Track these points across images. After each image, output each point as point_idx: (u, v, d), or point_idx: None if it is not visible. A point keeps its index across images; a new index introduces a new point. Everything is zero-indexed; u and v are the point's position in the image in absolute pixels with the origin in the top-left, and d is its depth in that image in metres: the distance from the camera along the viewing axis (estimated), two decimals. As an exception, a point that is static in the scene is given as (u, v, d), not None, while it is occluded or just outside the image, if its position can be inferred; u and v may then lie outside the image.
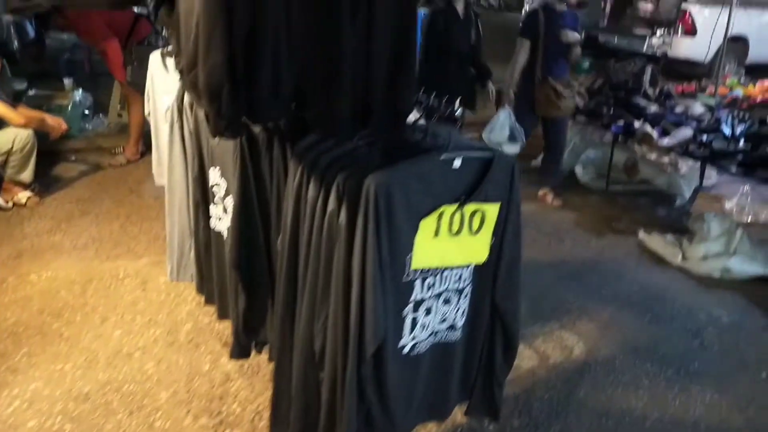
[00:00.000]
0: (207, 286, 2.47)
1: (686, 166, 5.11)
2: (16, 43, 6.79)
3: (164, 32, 3.61)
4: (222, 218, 2.22)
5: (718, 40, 7.43)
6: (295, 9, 1.35)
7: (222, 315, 2.40)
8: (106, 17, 4.62)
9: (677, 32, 8.96)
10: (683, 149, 4.44)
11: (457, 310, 1.80)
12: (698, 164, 4.66)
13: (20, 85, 5.64)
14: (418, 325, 1.71)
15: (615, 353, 3.01)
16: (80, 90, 5.68)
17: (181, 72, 1.54)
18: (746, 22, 8.78)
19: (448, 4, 4.51)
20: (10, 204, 4.08)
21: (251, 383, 2.58)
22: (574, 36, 4.56)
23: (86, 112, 5.71)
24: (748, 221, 4.53)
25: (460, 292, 1.77)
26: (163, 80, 3.23)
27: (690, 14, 8.88)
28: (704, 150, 4.30)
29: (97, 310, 3.05)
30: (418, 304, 1.69)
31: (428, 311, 1.72)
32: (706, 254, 3.90)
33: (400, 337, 1.69)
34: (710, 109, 5.12)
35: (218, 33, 1.25)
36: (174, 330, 2.92)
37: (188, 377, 2.61)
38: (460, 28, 4.51)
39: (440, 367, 1.86)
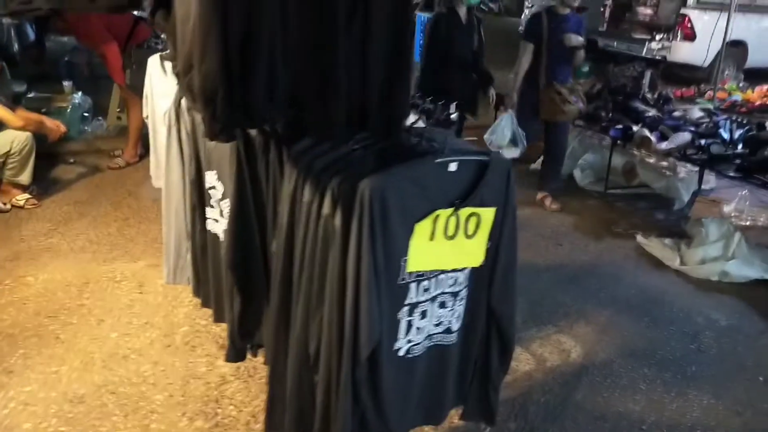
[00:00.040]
0: (203, 289, 2.47)
1: (684, 170, 5.12)
2: (16, 46, 6.82)
3: (163, 36, 3.62)
4: (219, 221, 2.22)
5: (717, 44, 7.46)
6: (291, 14, 1.36)
7: (218, 318, 2.39)
8: (105, 21, 4.63)
9: (677, 37, 8.98)
10: (681, 153, 4.45)
11: (453, 314, 1.80)
12: (696, 168, 4.67)
13: (20, 88, 5.66)
14: (413, 328, 1.71)
15: (612, 357, 3.01)
16: (79, 93, 5.70)
17: (177, 75, 1.54)
18: (745, 27, 8.81)
19: (450, 9, 4.48)
20: (8, 206, 4.08)
21: (247, 386, 2.58)
22: (577, 40, 4.53)
23: (85, 114, 5.72)
24: (747, 225, 4.54)
25: (455, 295, 1.77)
26: (161, 83, 3.23)
27: (689, 19, 8.91)
28: (702, 154, 4.30)
29: (94, 313, 3.05)
30: (413, 307, 1.68)
31: (423, 314, 1.72)
32: (704, 258, 3.91)
33: (395, 340, 1.68)
34: (709, 113, 5.13)
35: (213, 38, 1.25)
36: (170, 332, 2.91)
37: (184, 380, 2.61)
38: (463, 33, 4.49)
39: (436, 370, 1.85)
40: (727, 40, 7.08)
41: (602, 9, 9.85)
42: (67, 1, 4.15)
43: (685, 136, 4.42)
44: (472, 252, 1.72)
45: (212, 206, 2.23)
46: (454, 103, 3.99)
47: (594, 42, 9.75)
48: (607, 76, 6.41)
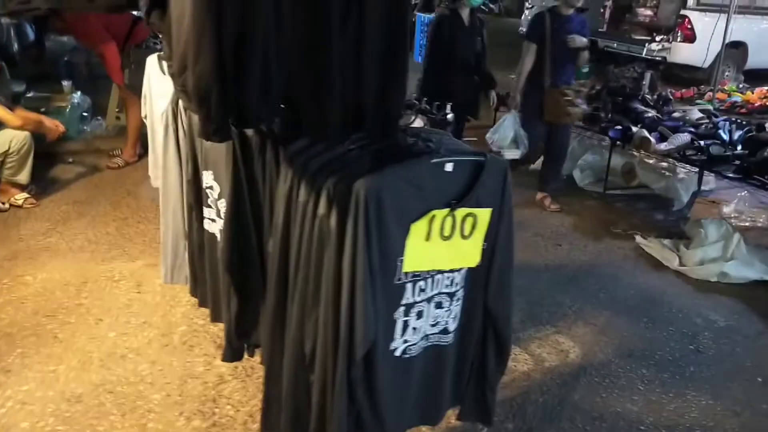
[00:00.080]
0: (200, 288, 2.47)
1: (684, 171, 5.12)
2: (16, 46, 6.81)
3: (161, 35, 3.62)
4: (215, 221, 2.22)
5: (717, 45, 7.47)
6: (285, 16, 1.36)
7: (215, 318, 2.39)
8: (104, 20, 4.63)
9: (677, 38, 8.99)
10: (681, 154, 4.44)
11: (449, 314, 1.79)
12: (696, 169, 4.67)
13: (19, 87, 5.65)
14: (409, 328, 1.71)
15: (611, 357, 3.01)
16: (79, 92, 5.70)
17: (173, 76, 1.54)
18: (745, 28, 8.82)
19: (453, 11, 4.44)
20: (7, 205, 4.08)
21: (245, 385, 2.58)
22: (581, 41, 4.49)
23: (85, 114, 5.73)
24: (746, 226, 4.54)
25: (451, 295, 1.77)
26: (160, 83, 3.23)
27: (689, 20, 8.91)
28: (701, 155, 4.30)
29: (92, 312, 3.05)
30: (409, 307, 1.68)
31: (420, 314, 1.71)
32: (703, 259, 3.90)
33: (392, 340, 1.68)
34: (708, 114, 5.13)
35: (207, 38, 1.25)
36: (168, 332, 2.91)
37: (182, 379, 2.61)
38: (465, 35, 4.45)
39: (432, 370, 1.85)
40: (727, 41, 7.08)
41: (602, 10, 9.86)
42: (66, 1, 4.14)
43: (684, 137, 4.42)
44: (468, 252, 1.72)
45: (209, 206, 2.23)
46: (449, 104, 3.97)
47: (593, 42, 9.78)
48: (607, 76, 6.41)
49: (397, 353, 1.71)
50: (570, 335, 3.15)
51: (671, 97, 5.86)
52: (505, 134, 5.87)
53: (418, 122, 3.60)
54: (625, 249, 4.20)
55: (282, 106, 1.49)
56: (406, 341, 1.72)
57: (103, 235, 3.85)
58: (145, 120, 3.57)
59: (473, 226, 1.68)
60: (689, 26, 8.88)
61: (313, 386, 1.67)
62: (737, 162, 4.18)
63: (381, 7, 1.44)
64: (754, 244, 4.05)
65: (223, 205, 2.08)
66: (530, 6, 11.79)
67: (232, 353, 2.23)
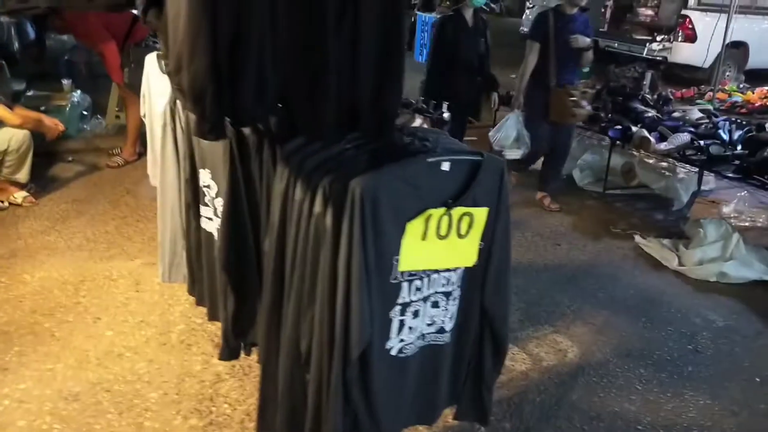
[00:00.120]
0: (198, 287, 2.47)
1: (683, 171, 5.12)
2: (16, 45, 6.82)
3: (160, 34, 3.61)
4: (213, 219, 2.22)
5: (717, 45, 7.46)
6: (281, 16, 1.36)
7: (212, 316, 2.39)
8: (103, 19, 4.63)
9: (677, 38, 8.98)
10: (681, 154, 4.44)
11: (446, 314, 1.79)
12: (695, 169, 4.66)
13: (19, 86, 5.65)
14: (405, 328, 1.70)
15: (609, 357, 3.00)
16: (78, 91, 5.70)
17: (169, 74, 1.54)
18: (746, 28, 8.82)
19: (456, 11, 4.40)
20: (6, 204, 4.08)
21: (242, 384, 2.58)
22: (584, 41, 4.45)
23: (84, 113, 5.73)
24: (746, 226, 4.53)
25: (448, 295, 1.76)
26: (159, 82, 3.23)
27: (690, 20, 8.91)
28: (701, 155, 4.29)
29: (90, 311, 3.05)
30: (405, 306, 1.68)
31: (416, 314, 1.71)
32: (702, 259, 3.90)
33: (387, 339, 1.68)
34: (708, 114, 5.12)
35: (202, 37, 1.25)
36: (166, 331, 2.91)
37: (179, 378, 2.61)
38: (469, 36, 4.41)
39: (429, 370, 1.85)
40: (728, 41, 7.07)
41: (603, 10, 9.85)
42: (65, 0, 4.15)
43: (684, 137, 4.42)
44: (464, 252, 1.72)
45: (206, 204, 2.23)
46: (447, 104, 3.95)
47: (594, 43, 9.78)
48: (608, 76, 6.41)
49: (393, 352, 1.71)
50: (568, 335, 3.15)
51: (671, 97, 5.85)
52: (508, 134, 5.86)
53: (418, 122, 3.60)
54: (624, 249, 4.20)
55: (278, 105, 1.49)
56: (402, 340, 1.71)
57: (102, 234, 3.85)
58: (144, 119, 3.57)
59: (470, 226, 1.68)
60: (690, 26, 8.87)
61: (309, 385, 1.67)
62: (737, 162, 4.18)
63: (376, 7, 1.44)
64: (754, 244, 4.04)
65: (220, 203, 2.08)
66: (531, 6, 11.78)
67: (229, 352, 2.23)
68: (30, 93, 5.59)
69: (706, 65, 8.83)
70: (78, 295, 3.18)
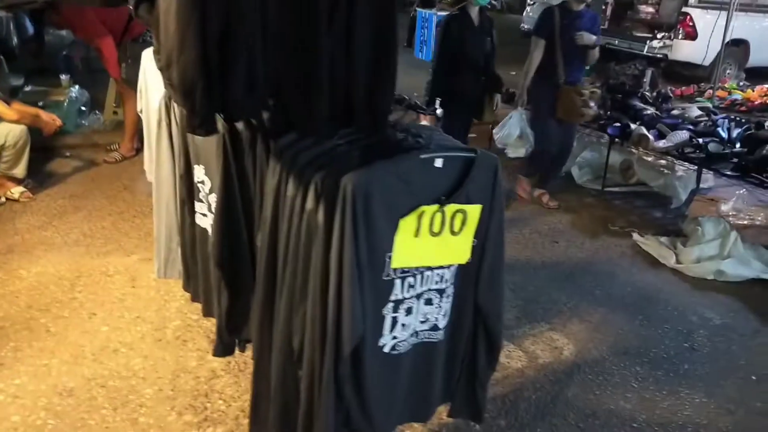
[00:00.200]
0: (193, 283, 2.47)
1: (682, 168, 5.10)
2: (15, 40, 6.81)
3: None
4: (207, 215, 2.21)
5: (718, 43, 7.44)
6: (271, 11, 1.35)
7: (207, 313, 2.39)
8: (101, 14, 4.62)
9: (678, 35, 8.96)
10: (679, 152, 4.43)
11: (439, 311, 1.79)
12: (694, 167, 4.65)
13: (17, 81, 5.65)
14: (398, 325, 1.70)
15: (605, 354, 3.00)
16: (77, 86, 5.69)
17: (161, 69, 1.53)
18: (747, 26, 8.79)
19: (461, 10, 4.31)
20: (3, 199, 4.08)
21: (237, 380, 2.58)
22: (590, 38, 4.38)
23: (82, 108, 5.72)
24: (744, 224, 4.52)
25: (441, 292, 1.76)
26: (155, 77, 3.20)
27: (691, 18, 8.88)
28: (700, 153, 4.28)
29: (85, 306, 3.04)
30: (398, 303, 1.67)
31: (409, 311, 1.71)
32: (699, 257, 3.89)
33: (380, 336, 1.68)
34: (707, 112, 5.11)
35: (191, 31, 1.24)
36: (161, 327, 2.91)
37: (174, 374, 2.60)
38: (474, 35, 4.31)
39: (422, 367, 1.85)
40: (729, 39, 7.06)
41: (603, 7, 9.82)
42: (62, -6, 4.15)
43: (682, 135, 4.41)
44: (458, 249, 1.71)
45: (201, 200, 2.23)
46: (439, 100, 3.91)
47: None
48: (607, 74, 6.39)
49: (386, 349, 1.71)
50: (565, 332, 3.15)
51: (671, 95, 5.83)
52: (511, 132, 5.85)
53: (425, 122, 3.57)
54: (622, 246, 4.19)
55: (270, 100, 1.48)
56: (395, 337, 1.71)
57: (99, 230, 3.85)
58: (141, 114, 3.56)
59: (463, 223, 1.68)
60: (691, 24, 8.85)
61: (301, 382, 1.66)
62: (735, 160, 4.16)
63: (370, 3, 1.43)
64: (752, 243, 4.03)
65: (214, 199, 2.07)
66: (532, 2, 11.75)
67: (223, 348, 2.23)
68: (28, 88, 5.59)
69: (707, 63, 8.81)
70: (74, 290, 3.17)
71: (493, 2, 17.19)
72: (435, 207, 1.60)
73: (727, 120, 4.62)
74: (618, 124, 4.77)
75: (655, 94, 5.62)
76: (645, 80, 7.47)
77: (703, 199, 4.99)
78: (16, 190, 4.12)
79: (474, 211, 1.68)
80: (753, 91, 7.81)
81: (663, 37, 9.10)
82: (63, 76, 5.68)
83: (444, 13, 8.96)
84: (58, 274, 3.31)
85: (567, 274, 3.77)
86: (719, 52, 7.49)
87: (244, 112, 1.46)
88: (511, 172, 5.00)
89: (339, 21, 1.40)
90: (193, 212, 2.29)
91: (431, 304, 1.75)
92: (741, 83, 8.56)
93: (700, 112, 5.04)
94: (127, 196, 4.34)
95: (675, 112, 5.12)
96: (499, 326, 1.90)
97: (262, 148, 1.83)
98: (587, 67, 5.43)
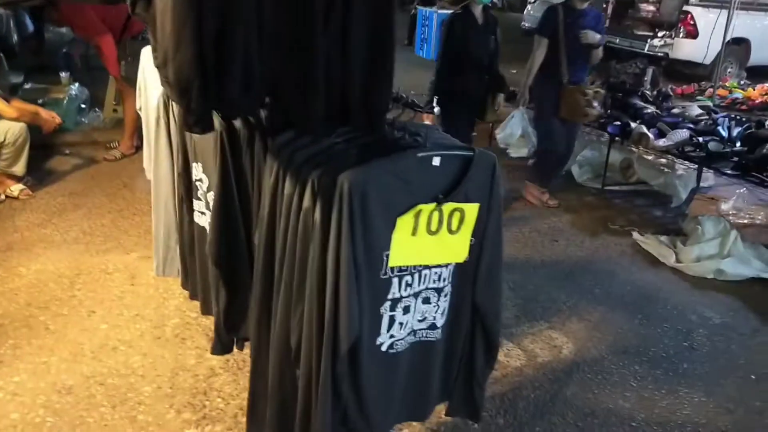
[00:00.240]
0: (191, 281, 2.46)
1: (682, 167, 5.10)
2: (15, 37, 6.80)
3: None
4: (205, 213, 2.21)
5: (719, 42, 7.42)
6: (267, 11, 1.35)
7: (205, 311, 2.39)
8: (100, 12, 4.61)
9: (679, 34, 8.94)
10: (679, 151, 4.42)
11: (437, 310, 1.78)
12: (694, 166, 4.64)
13: (17, 79, 5.65)
14: (395, 323, 1.70)
15: (604, 353, 3.00)
16: (76, 84, 5.68)
17: (158, 67, 1.53)
18: (749, 24, 8.78)
19: (465, 8, 4.27)
20: (3, 196, 4.08)
21: (236, 379, 2.58)
22: (594, 37, 4.35)
23: (82, 106, 5.72)
24: (744, 223, 4.52)
25: (439, 291, 1.76)
26: (154, 75, 3.20)
27: (692, 16, 8.87)
28: (700, 152, 4.27)
29: (85, 304, 3.04)
30: (395, 302, 1.67)
31: (406, 309, 1.71)
32: (699, 256, 3.89)
33: (378, 335, 1.67)
34: (708, 110, 5.10)
35: (188, 30, 1.24)
36: (161, 324, 2.91)
37: (173, 372, 2.60)
38: (479, 34, 4.28)
39: (420, 366, 1.84)
40: (730, 37, 7.04)
41: (605, 5, 9.80)
42: (61, -8, 4.14)
43: (683, 134, 4.40)
44: (455, 248, 1.71)
45: (199, 198, 2.23)
46: (436, 98, 3.89)
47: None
48: (608, 72, 6.38)
49: (384, 348, 1.71)
50: (564, 331, 3.14)
51: (671, 93, 5.82)
52: (513, 131, 5.84)
53: (428, 121, 3.55)
54: (622, 245, 4.19)
55: (267, 99, 1.48)
56: (392, 336, 1.71)
57: (99, 227, 3.85)
58: (140, 112, 3.56)
59: (461, 221, 1.67)
60: (692, 22, 8.83)
61: (299, 380, 1.66)
62: (736, 159, 4.15)
63: (367, 3, 1.42)
64: (752, 242, 4.03)
65: (212, 197, 2.07)
66: (533, 0, 11.74)
67: (222, 347, 2.23)
68: (28, 86, 5.59)
69: (708, 61, 8.79)
70: (73, 288, 3.18)
71: (494, 0, 17.19)
72: (432, 205, 1.60)
73: (727, 119, 4.61)
74: (618, 123, 4.77)
75: (655, 92, 5.61)
76: (646, 79, 7.47)
77: (703, 197, 4.99)
78: (16, 188, 4.12)
79: (472, 209, 1.68)
80: (754, 89, 7.80)
81: (664, 35, 9.08)
82: (63, 74, 5.68)
83: (444, 12, 8.99)
84: (58, 271, 3.31)
85: (566, 273, 3.77)
86: (720, 50, 7.48)
87: (240, 110, 1.46)
88: (511, 171, 5.00)
89: (335, 21, 1.40)
90: (191, 210, 2.29)
91: (429, 302, 1.75)
92: (742, 82, 8.55)
93: (700, 111, 5.03)
94: (126, 194, 4.34)
95: (675, 110, 5.11)
96: (497, 325, 1.90)
97: (260, 146, 1.83)
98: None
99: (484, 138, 5.64)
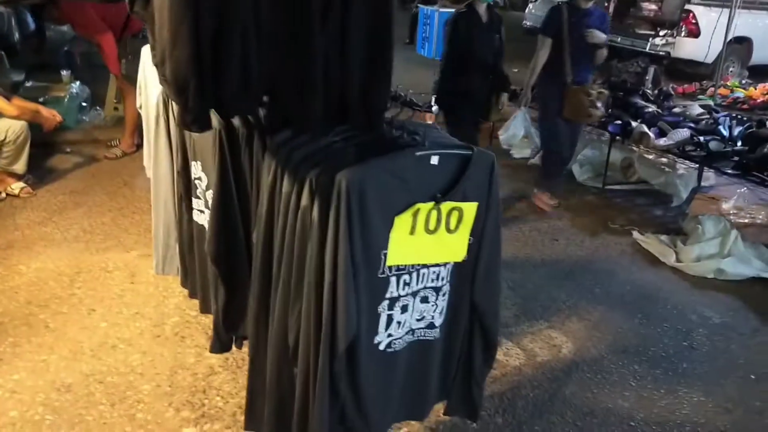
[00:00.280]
0: (191, 280, 2.47)
1: (683, 166, 5.09)
2: (17, 35, 6.80)
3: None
4: (204, 212, 2.21)
5: (721, 41, 7.41)
6: (264, 10, 1.35)
7: (204, 309, 2.39)
8: (100, 10, 4.61)
9: (681, 33, 8.93)
10: (680, 150, 4.41)
11: (435, 309, 1.78)
12: (695, 165, 4.63)
13: (18, 77, 5.65)
14: (393, 322, 1.70)
15: (603, 353, 2.99)
16: (77, 82, 5.69)
17: (156, 65, 1.53)
18: (750, 23, 8.76)
19: (469, 7, 4.22)
20: (3, 195, 4.09)
21: (235, 377, 2.58)
22: (600, 36, 4.32)
23: (83, 104, 5.72)
24: (745, 223, 4.51)
25: (437, 290, 1.76)
26: (154, 73, 3.21)
27: (694, 15, 8.85)
28: (701, 151, 4.27)
29: (84, 302, 3.05)
30: (393, 301, 1.67)
31: (404, 308, 1.71)
32: (699, 255, 3.88)
33: (376, 333, 1.68)
34: (709, 110, 5.09)
35: (185, 28, 1.24)
36: (160, 323, 2.91)
37: (172, 370, 2.61)
38: (483, 32, 4.23)
39: (418, 365, 1.85)
40: (732, 36, 7.03)
41: (606, 4, 9.79)
42: (61, -10, 4.14)
43: (683, 133, 4.39)
44: (453, 247, 1.71)
45: (198, 197, 2.23)
46: (434, 97, 3.87)
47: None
48: (609, 71, 6.36)
49: (382, 347, 1.71)
50: (563, 330, 3.14)
51: (672, 93, 5.81)
52: (516, 132, 5.83)
53: (429, 120, 3.55)
54: (622, 244, 4.18)
55: (265, 98, 1.48)
56: (390, 335, 1.71)
57: (99, 226, 3.85)
58: (140, 110, 3.56)
59: (459, 220, 1.67)
60: (693, 21, 8.82)
61: (297, 378, 1.66)
62: (737, 158, 4.15)
63: (365, 2, 1.42)
64: (752, 241, 4.02)
65: (211, 196, 2.07)
66: (534, -1, 11.73)
67: (220, 345, 2.23)
68: (29, 84, 5.59)
69: (710, 60, 8.77)
70: (73, 286, 3.18)
71: (496, -1, 17.16)
72: (431, 204, 1.60)
73: (728, 118, 4.61)
74: (619, 122, 4.76)
75: (656, 91, 5.60)
76: (647, 78, 7.46)
77: (704, 197, 4.98)
78: (17, 186, 4.13)
79: (470, 208, 1.68)
80: (755, 89, 7.79)
81: (666, 34, 9.06)
82: (64, 72, 5.68)
83: (446, 10, 8.95)
84: (58, 270, 3.31)
85: (566, 272, 3.77)
86: (722, 49, 7.46)
87: (238, 109, 1.46)
88: (514, 172, 4.99)
89: (333, 21, 1.40)
90: (190, 209, 2.29)
91: (427, 301, 1.75)
92: (743, 81, 8.53)
93: (701, 110, 5.02)
94: (127, 192, 4.35)
95: (676, 109, 5.10)
96: (495, 324, 1.90)
97: (259, 144, 1.83)
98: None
99: (485, 137, 5.62)
